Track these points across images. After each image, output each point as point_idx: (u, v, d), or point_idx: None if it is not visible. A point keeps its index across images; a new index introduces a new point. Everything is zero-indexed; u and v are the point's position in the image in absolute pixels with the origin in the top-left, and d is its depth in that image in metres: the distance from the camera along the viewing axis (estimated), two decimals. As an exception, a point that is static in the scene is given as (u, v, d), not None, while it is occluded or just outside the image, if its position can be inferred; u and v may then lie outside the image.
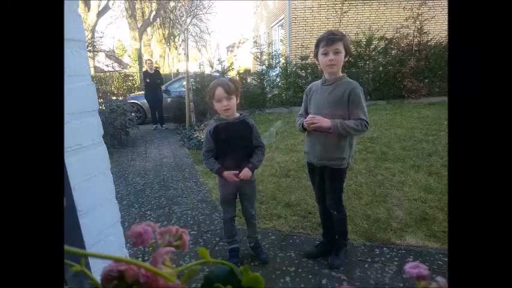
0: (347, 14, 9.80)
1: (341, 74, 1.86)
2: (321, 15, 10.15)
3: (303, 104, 2.04)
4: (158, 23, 21.73)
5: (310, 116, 1.82)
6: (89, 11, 16.22)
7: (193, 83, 7.38)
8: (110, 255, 0.24)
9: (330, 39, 1.74)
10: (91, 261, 0.72)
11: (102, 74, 10.46)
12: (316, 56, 1.86)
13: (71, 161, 0.78)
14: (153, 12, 19.30)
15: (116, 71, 14.07)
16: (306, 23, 10.19)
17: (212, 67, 8.70)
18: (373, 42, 8.44)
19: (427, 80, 8.36)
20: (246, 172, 1.98)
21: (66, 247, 0.22)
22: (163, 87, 8.04)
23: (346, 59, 1.85)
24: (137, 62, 18.40)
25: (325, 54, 1.78)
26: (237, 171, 1.98)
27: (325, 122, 1.74)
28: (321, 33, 1.85)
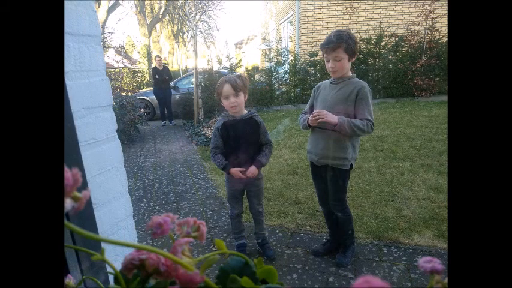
0: (357, 10, 9.68)
1: (350, 74, 1.84)
2: (331, 12, 10.06)
3: (309, 101, 2.03)
4: (167, 20, 21.81)
5: (317, 110, 1.79)
6: (99, 7, 16.37)
7: (201, 80, 7.41)
8: (133, 243, 0.25)
9: (329, 48, 1.72)
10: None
11: (112, 70, 10.56)
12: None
13: (85, 155, 0.80)
14: (163, 9, 19.38)
15: (126, 67, 14.15)
16: (315, 19, 10.12)
17: (220, 64, 8.71)
18: (384, 39, 8.33)
19: (438, 78, 8.22)
20: (252, 170, 1.98)
21: (94, 235, 0.23)
22: (172, 84, 8.09)
23: (353, 59, 1.81)
24: (146, 58, 18.50)
25: (327, 61, 1.79)
26: (244, 169, 1.99)
27: (332, 117, 1.72)
28: (329, 32, 1.83)
